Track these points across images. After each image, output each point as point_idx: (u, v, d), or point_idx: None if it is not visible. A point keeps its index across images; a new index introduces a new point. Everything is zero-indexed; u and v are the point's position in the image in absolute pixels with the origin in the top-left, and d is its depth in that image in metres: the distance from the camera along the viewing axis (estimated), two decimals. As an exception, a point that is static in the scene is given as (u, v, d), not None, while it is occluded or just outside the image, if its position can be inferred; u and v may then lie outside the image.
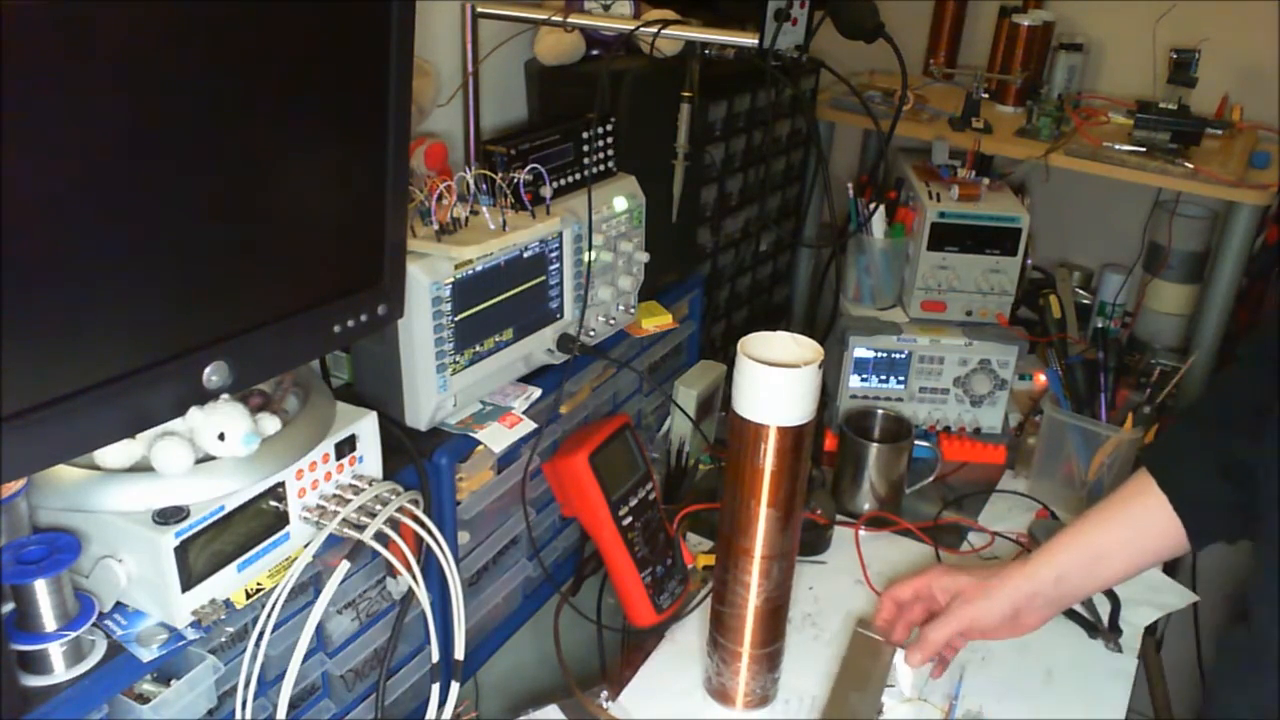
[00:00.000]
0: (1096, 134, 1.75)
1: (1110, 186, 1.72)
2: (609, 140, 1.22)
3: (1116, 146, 1.69)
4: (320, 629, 0.95)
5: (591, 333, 1.23)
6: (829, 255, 1.67)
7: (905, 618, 1.12)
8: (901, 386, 1.58)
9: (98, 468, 0.78)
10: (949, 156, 1.67)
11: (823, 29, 1.29)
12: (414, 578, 0.93)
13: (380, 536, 0.89)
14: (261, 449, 0.82)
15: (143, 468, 0.78)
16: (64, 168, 0.62)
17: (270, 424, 0.84)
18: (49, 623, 0.74)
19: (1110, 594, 1.23)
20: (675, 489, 1.43)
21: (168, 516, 0.77)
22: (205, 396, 0.77)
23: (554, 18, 1.25)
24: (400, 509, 0.91)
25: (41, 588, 0.73)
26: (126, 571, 0.78)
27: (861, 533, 1.39)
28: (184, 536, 0.77)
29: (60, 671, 0.74)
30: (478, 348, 1.07)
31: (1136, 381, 1.63)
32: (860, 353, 1.56)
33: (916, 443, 1.46)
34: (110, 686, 0.76)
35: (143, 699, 0.79)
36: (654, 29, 1.22)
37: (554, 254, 1.13)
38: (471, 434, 1.06)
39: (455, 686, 0.99)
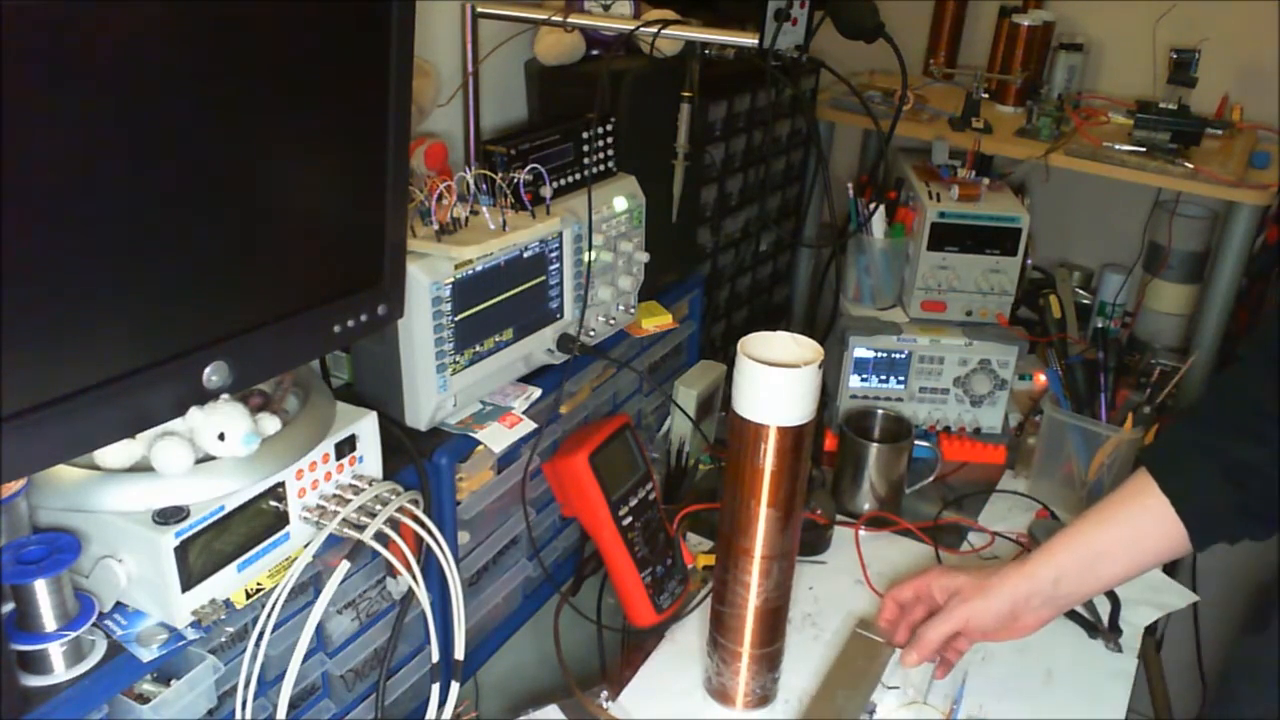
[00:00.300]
0: (1096, 134, 1.75)
1: (1110, 186, 1.72)
2: (609, 140, 1.22)
3: (1116, 146, 1.69)
4: (320, 629, 0.95)
5: (591, 333, 1.23)
6: (829, 255, 1.67)
7: (907, 619, 1.12)
8: (901, 386, 1.58)
9: (98, 468, 0.78)
10: (949, 156, 1.67)
11: (823, 29, 1.29)
12: (414, 578, 0.93)
13: (380, 536, 0.89)
14: (261, 449, 0.82)
15: (143, 468, 0.78)
16: (64, 168, 0.62)
17: (270, 424, 0.84)
18: (49, 623, 0.74)
19: (1110, 594, 1.23)
20: (675, 489, 1.43)
21: (168, 516, 0.77)
22: (205, 396, 0.77)
23: (554, 18, 1.25)
24: (400, 509, 0.91)
25: (41, 588, 0.73)
26: (126, 571, 0.78)
27: (861, 533, 1.39)
28: (184, 536, 0.77)
29: (60, 671, 0.74)
30: (478, 348, 1.07)
31: (1136, 381, 1.63)
32: (860, 353, 1.56)
33: (916, 443, 1.46)
34: (110, 686, 0.76)
35: (143, 699, 0.79)
36: (654, 29, 1.22)
37: (554, 254, 1.13)
38: (471, 434, 1.06)
39: (455, 686, 0.99)
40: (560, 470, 1.18)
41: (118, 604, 0.80)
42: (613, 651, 1.28)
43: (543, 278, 1.13)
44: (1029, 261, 1.79)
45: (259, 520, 0.84)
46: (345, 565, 0.88)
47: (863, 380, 1.58)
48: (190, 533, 0.77)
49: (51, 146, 0.61)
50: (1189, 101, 1.71)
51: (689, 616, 1.24)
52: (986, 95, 1.86)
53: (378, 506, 0.90)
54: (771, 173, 1.78)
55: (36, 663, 0.74)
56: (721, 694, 1.11)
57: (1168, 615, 1.31)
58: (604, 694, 1.12)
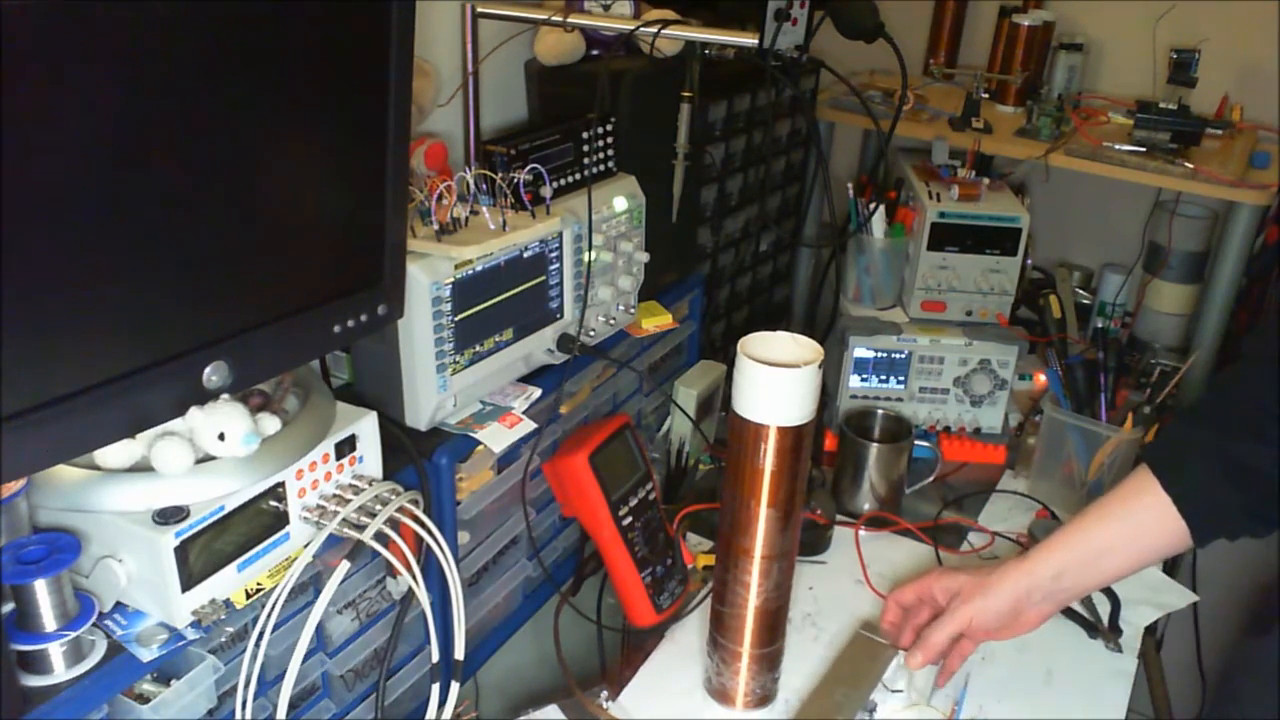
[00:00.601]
0: (1096, 134, 1.75)
1: (1110, 186, 1.72)
2: (609, 140, 1.22)
3: (1116, 146, 1.69)
4: (320, 629, 0.95)
5: (591, 333, 1.23)
6: (829, 255, 1.67)
7: (912, 622, 1.12)
8: (901, 386, 1.58)
9: (98, 468, 0.78)
10: (949, 156, 1.67)
11: (823, 29, 1.29)
12: (414, 578, 0.93)
13: (380, 536, 0.89)
14: (261, 449, 0.82)
15: (143, 468, 0.78)
16: (64, 167, 0.62)
17: (270, 424, 0.84)
18: (49, 623, 0.74)
19: (1110, 594, 1.23)
20: (675, 489, 1.43)
21: (168, 516, 0.77)
22: (205, 396, 0.77)
23: (554, 18, 1.25)
24: (400, 509, 0.91)
25: (41, 588, 0.73)
26: (126, 571, 0.78)
27: (861, 533, 1.39)
28: (184, 536, 0.77)
29: (60, 671, 0.74)
30: (478, 348, 1.07)
31: (1136, 381, 1.63)
32: (860, 353, 1.56)
33: (916, 443, 1.46)
34: (110, 686, 0.76)
35: (143, 699, 0.79)
36: (654, 29, 1.22)
37: (554, 254, 1.13)
38: (471, 434, 1.06)
39: (455, 686, 0.99)
40: (560, 470, 1.18)
41: (118, 604, 0.80)
42: (613, 651, 1.28)
43: (543, 278, 1.13)
44: (1029, 261, 1.79)
45: (259, 520, 0.84)
46: (345, 565, 0.88)
47: (863, 380, 1.58)
48: (190, 533, 0.77)
49: (51, 146, 0.61)
50: (1189, 101, 1.71)
51: (689, 616, 1.24)
52: (986, 95, 1.86)
53: (378, 506, 0.90)
54: (771, 173, 1.78)
55: (36, 663, 0.74)
56: (721, 694, 1.11)
57: (1168, 615, 1.31)
58: (604, 694, 1.12)
